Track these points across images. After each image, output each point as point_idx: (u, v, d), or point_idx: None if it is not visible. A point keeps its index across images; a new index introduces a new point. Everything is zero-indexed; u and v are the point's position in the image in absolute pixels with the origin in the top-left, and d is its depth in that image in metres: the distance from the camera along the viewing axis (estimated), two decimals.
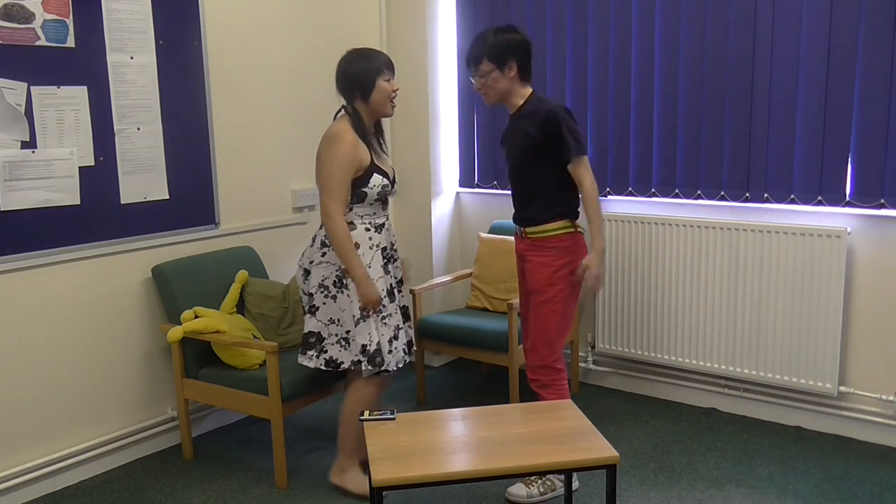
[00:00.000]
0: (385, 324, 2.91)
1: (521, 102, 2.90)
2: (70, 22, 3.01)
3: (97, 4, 3.09)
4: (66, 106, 3.03)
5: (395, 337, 2.95)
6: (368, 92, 2.86)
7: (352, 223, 2.88)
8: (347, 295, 2.87)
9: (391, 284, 2.97)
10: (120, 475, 3.26)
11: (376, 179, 2.87)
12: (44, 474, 3.08)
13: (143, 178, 3.31)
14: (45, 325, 3.06)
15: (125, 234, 3.27)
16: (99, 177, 3.16)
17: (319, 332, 2.94)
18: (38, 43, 2.93)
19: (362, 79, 2.85)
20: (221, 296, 3.40)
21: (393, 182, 2.99)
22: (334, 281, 2.88)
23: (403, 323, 3.05)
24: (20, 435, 3.02)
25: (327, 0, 4.05)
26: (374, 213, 2.93)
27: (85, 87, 3.08)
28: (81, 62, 3.06)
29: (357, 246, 2.85)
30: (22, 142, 2.91)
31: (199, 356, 3.29)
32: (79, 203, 3.09)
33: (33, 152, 2.95)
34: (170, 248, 3.44)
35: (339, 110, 2.95)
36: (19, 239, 2.94)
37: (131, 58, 3.23)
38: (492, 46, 2.83)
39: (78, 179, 3.08)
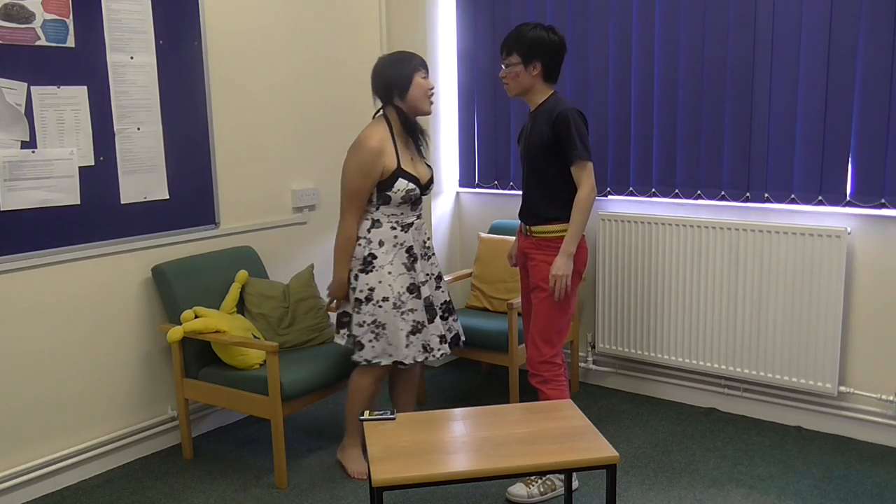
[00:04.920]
0: (404, 318, 2.99)
1: (541, 101, 2.93)
2: (70, 22, 3.01)
3: (97, 4, 3.09)
4: (66, 106, 3.03)
5: (414, 332, 3.02)
6: (406, 89, 2.97)
7: (378, 221, 3.01)
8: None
9: (419, 281, 3.06)
10: (120, 475, 3.26)
11: (401, 184, 2.96)
12: (44, 474, 3.08)
13: (143, 178, 3.31)
14: (45, 325, 3.06)
15: (125, 234, 3.27)
16: (99, 177, 3.16)
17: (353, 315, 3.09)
18: (38, 43, 2.93)
19: (400, 78, 2.97)
20: (221, 296, 3.40)
21: (428, 184, 3.11)
22: (355, 274, 3.03)
23: (443, 318, 3.16)
24: (20, 435, 3.02)
25: (327, 0, 4.06)
26: (402, 214, 3.04)
27: (85, 87, 3.08)
28: (81, 62, 3.06)
29: (381, 244, 3.00)
30: (22, 142, 2.91)
31: (199, 356, 3.29)
32: (79, 203, 3.09)
33: (33, 152, 2.95)
34: (170, 248, 3.44)
35: (378, 111, 3.06)
36: (19, 239, 2.94)
37: (131, 58, 3.23)
38: (523, 42, 2.88)
39: (78, 179, 3.08)
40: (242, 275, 3.44)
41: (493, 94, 4.21)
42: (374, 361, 3.01)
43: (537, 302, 2.96)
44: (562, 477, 2.95)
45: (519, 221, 3.12)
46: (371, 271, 2.99)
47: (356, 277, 3.02)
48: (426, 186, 3.10)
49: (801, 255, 3.35)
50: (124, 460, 3.36)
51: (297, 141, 3.95)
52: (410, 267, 3.04)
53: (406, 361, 3.01)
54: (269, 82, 3.81)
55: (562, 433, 2.44)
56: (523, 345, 3.55)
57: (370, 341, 3.00)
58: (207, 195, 3.58)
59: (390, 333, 2.99)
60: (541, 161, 2.90)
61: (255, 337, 3.32)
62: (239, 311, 3.42)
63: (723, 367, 3.62)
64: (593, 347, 4.05)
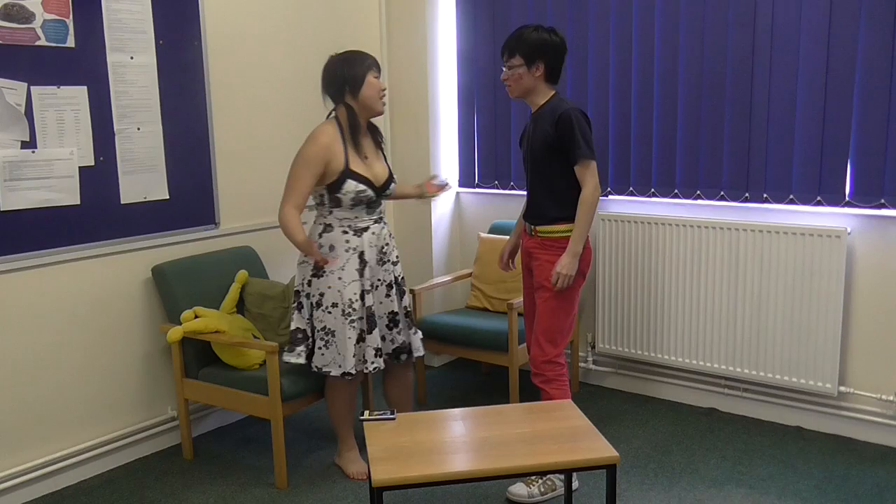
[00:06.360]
0: (352, 326, 2.97)
1: (543, 102, 2.94)
2: (70, 22, 3.01)
3: (97, 4, 3.09)
4: (66, 106, 3.03)
5: (360, 340, 3.00)
6: (358, 87, 2.94)
7: (330, 225, 2.99)
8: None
9: (366, 288, 3.01)
10: (120, 475, 3.26)
11: (349, 185, 2.93)
12: (44, 474, 3.08)
13: (143, 178, 3.31)
14: (45, 326, 3.06)
15: (125, 234, 3.27)
16: (99, 177, 3.16)
17: (306, 330, 3.03)
18: (38, 43, 2.93)
19: (352, 76, 2.94)
20: (221, 296, 3.40)
21: (384, 187, 3.03)
22: (308, 279, 3.01)
23: (388, 328, 3.11)
24: (20, 435, 3.02)
25: (327, 0, 4.06)
26: (356, 217, 2.99)
27: (85, 87, 3.08)
28: (81, 62, 3.06)
29: (332, 248, 2.97)
30: (22, 142, 2.91)
31: (199, 356, 3.29)
32: (79, 203, 3.09)
33: (33, 152, 2.95)
34: (170, 248, 3.44)
35: (331, 113, 3.02)
36: (19, 239, 2.94)
37: (131, 58, 3.23)
38: (526, 43, 2.88)
39: (78, 179, 3.08)
40: (242, 275, 3.44)
41: (493, 94, 4.21)
42: (323, 370, 3.00)
43: (541, 302, 2.97)
44: (562, 477, 2.95)
45: (515, 222, 3.12)
46: (322, 276, 2.97)
47: (309, 283, 3.00)
48: (382, 188, 3.03)
49: (801, 255, 3.35)
50: (124, 460, 3.36)
51: (298, 140, 3.90)
52: (362, 273, 3.00)
53: (352, 371, 2.98)
54: (268, 82, 3.81)
55: (562, 433, 2.44)
56: (523, 345, 3.55)
57: (320, 349, 2.99)
58: (207, 195, 3.58)
59: (339, 341, 2.96)
60: (544, 161, 2.91)
61: (255, 337, 3.32)
62: (239, 311, 3.42)
63: (723, 367, 3.62)
64: (593, 347, 4.05)
